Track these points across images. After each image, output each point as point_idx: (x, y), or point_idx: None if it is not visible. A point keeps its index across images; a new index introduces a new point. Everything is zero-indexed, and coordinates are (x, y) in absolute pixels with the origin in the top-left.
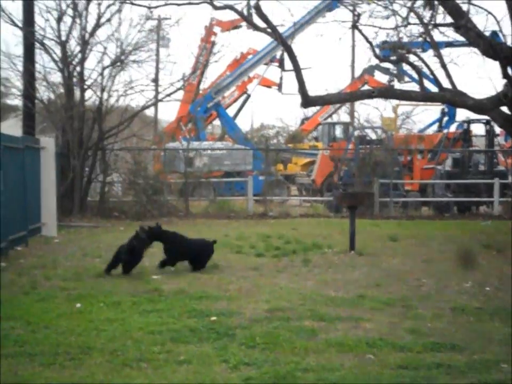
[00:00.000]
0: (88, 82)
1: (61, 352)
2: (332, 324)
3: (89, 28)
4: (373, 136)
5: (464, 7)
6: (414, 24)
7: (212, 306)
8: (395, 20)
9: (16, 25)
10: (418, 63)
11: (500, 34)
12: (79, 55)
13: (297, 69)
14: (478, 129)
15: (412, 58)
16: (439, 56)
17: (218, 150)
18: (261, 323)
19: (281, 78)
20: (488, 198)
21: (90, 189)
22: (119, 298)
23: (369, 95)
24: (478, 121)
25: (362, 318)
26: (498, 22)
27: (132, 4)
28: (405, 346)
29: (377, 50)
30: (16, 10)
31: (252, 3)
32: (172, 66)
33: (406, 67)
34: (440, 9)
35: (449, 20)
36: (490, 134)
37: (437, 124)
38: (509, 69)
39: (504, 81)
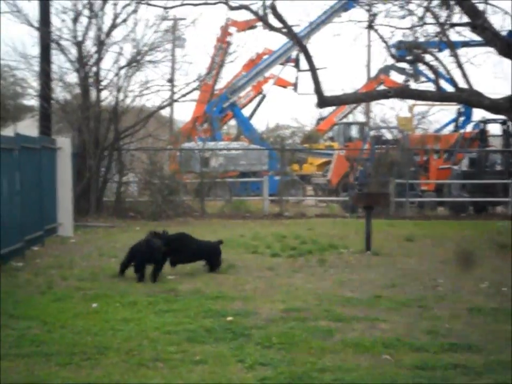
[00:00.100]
0: (104, 83)
1: (77, 352)
2: (348, 324)
3: (105, 28)
4: (389, 136)
5: (481, 7)
6: (430, 24)
7: (228, 306)
8: (411, 20)
9: (32, 25)
10: (435, 63)
11: None
12: (95, 56)
13: (313, 69)
14: (495, 129)
15: (428, 58)
16: (455, 56)
17: (234, 150)
18: (277, 323)
19: (296, 78)
20: (504, 198)
21: (106, 189)
22: (135, 298)
23: (385, 95)
24: (495, 121)
25: (378, 318)
26: None
27: (148, 4)
28: (422, 347)
29: (393, 50)
30: (33, 10)
31: (268, 3)
32: (187, 67)
33: (422, 67)
34: (457, 8)
35: (465, 19)
36: (506, 134)
37: (453, 124)
38: None
39: None
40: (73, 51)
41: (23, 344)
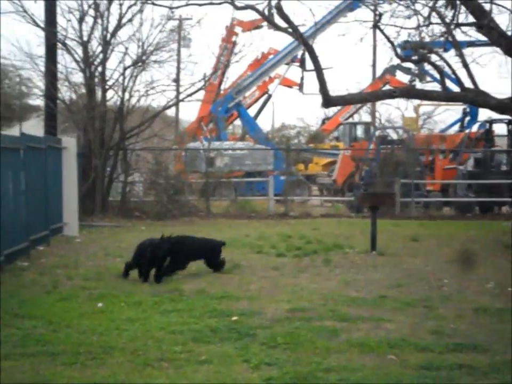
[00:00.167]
0: (109, 83)
1: (83, 351)
2: (353, 324)
3: (110, 28)
4: (394, 136)
5: (487, 7)
6: (436, 23)
7: (233, 306)
8: (417, 20)
9: (38, 25)
10: (440, 63)
11: None
12: (101, 55)
13: (318, 69)
14: (500, 129)
15: (434, 58)
16: (461, 56)
17: (239, 150)
18: (282, 323)
19: (302, 78)
20: (510, 198)
21: (112, 188)
22: (140, 298)
23: (391, 95)
24: (500, 121)
25: (383, 318)
26: None
27: (153, 4)
28: (427, 347)
29: (398, 50)
30: (38, 11)
31: (273, 3)
32: (193, 67)
33: (427, 67)
34: (462, 8)
35: (471, 19)
36: None
37: (458, 124)
38: None
39: None
40: (79, 51)
41: (29, 344)
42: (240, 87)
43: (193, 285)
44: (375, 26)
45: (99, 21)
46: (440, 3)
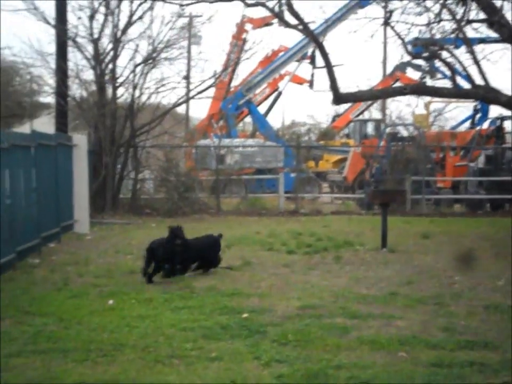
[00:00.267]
0: (120, 80)
1: (94, 348)
2: (364, 322)
3: (121, 25)
4: (405, 133)
5: (498, 3)
6: (447, 20)
7: (244, 303)
8: (428, 17)
9: (49, 23)
10: (451, 60)
11: None
12: (111, 53)
13: (328, 66)
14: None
15: (445, 55)
16: (472, 53)
17: (250, 147)
18: (293, 320)
19: (312, 75)
20: None
21: (122, 186)
22: (150, 295)
23: (401, 92)
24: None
25: (394, 315)
26: None
27: (164, 1)
28: (438, 344)
29: (409, 47)
30: (49, 8)
31: (284, 0)
32: (203, 64)
33: (438, 64)
34: (473, 5)
35: (482, 16)
36: None
37: (469, 121)
38: None
39: None
40: (90, 48)
41: (40, 341)
42: (250, 84)
43: (204, 282)
44: (386, 23)
45: (110, 18)
46: (451, 0)
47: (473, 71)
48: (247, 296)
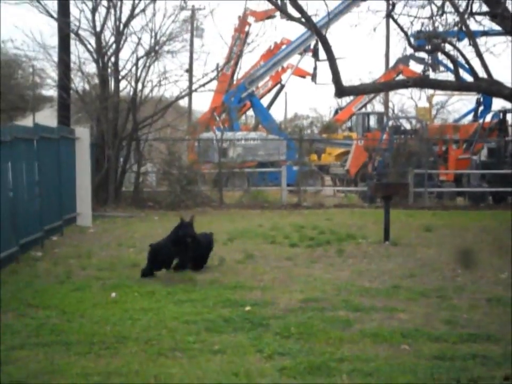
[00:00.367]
0: (122, 73)
1: (97, 341)
2: (366, 314)
3: (123, 18)
4: (408, 126)
5: None
6: (450, 13)
7: (246, 296)
8: (430, 9)
9: (51, 16)
10: (454, 53)
11: None
12: (114, 46)
13: (331, 59)
14: None
15: (447, 47)
16: (475, 46)
17: (252, 140)
18: (295, 313)
19: (315, 68)
20: None
21: (125, 179)
22: (153, 288)
23: (404, 84)
24: None
25: (397, 308)
26: None
27: None
28: (440, 337)
29: (412, 40)
30: (52, 1)
31: None
32: (205, 57)
33: (441, 57)
34: None
35: (485, 8)
36: None
37: (472, 114)
38: None
39: None
40: (92, 41)
41: (43, 333)
42: (253, 77)
43: (206, 275)
44: (389, 16)
45: (112, 11)
46: None
47: (476, 64)
48: (249, 289)
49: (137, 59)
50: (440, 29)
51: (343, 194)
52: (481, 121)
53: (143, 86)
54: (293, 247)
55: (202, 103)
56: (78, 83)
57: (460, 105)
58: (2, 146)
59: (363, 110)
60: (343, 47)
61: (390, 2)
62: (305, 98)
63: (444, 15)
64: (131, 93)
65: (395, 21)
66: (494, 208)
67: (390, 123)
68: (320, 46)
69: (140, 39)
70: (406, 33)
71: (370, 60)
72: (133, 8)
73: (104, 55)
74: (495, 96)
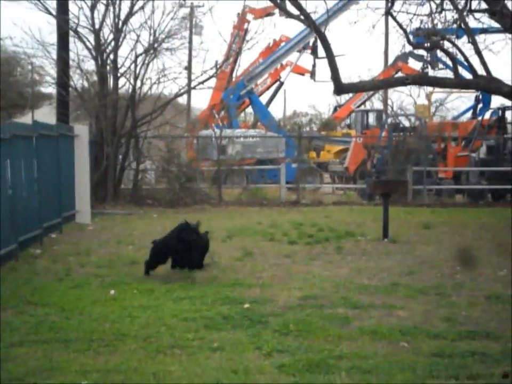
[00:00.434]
0: (121, 70)
1: (95, 338)
2: (365, 312)
3: (122, 15)
4: (407, 124)
5: None
6: (449, 10)
7: (245, 294)
8: (429, 6)
9: (50, 13)
10: (453, 50)
11: None
12: (113, 43)
13: (330, 56)
14: None
15: (446, 45)
16: (474, 43)
17: (251, 138)
18: (294, 310)
19: (314, 65)
20: None
21: (124, 176)
22: (152, 285)
23: (403, 82)
24: None
25: (395, 305)
26: None
27: None
28: (439, 334)
29: (411, 37)
30: None
31: None
32: (204, 54)
33: (440, 54)
34: None
35: (484, 6)
36: None
37: (471, 111)
38: None
39: None
40: (91, 38)
41: (42, 331)
42: (252, 75)
43: (205, 272)
44: (387, 13)
45: (111, 8)
46: None
47: (475, 61)
48: (248, 287)
49: (136, 56)
50: (439, 26)
51: (342, 191)
52: (480, 118)
53: (142, 83)
54: (291, 245)
55: (201, 100)
56: (77, 80)
57: (459, 103)
58: (1, 144)
59: (362, 107)
60: (342, 45)
61: None
62: (304, 96)
63: (443, 12)
64: (130, 90)
65: (394, 19)
66: (493, 205)
67: (389, 120)
68: (319, 44)
69: (138, 36)
70: (405, 31)
71: (369, 57)
72: (132, 5)
73: (103, 52)
74: (494, 93)
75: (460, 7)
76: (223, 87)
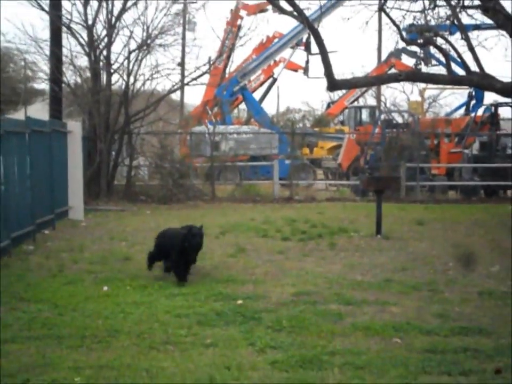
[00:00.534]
0: (114, 66)
1: (88, 334)
2: (358, 308)
3: (115, 11)
4: (400, 120)
5: None
6: (442, 6)
7: (238, 290)
8: (422, 3)
9: (43, 9)
10: (446, 46)
11: None
12: (106, 39)
13: (323, 52)
14: (506, 113)
15: (439, 41)
16: (467, 39)
17: (244, 134)
18: (287, 306)
19: (307, 62)
20: None
21: (117, 172)
22: (145, 281)
23: (396, 78)
24: (506, 104)
25: (389, 302)
26: None
27: None
28: (432, 330)
29: (404, 34)
30: None
31: None
32: (198, 50)
33: (433, 50)
34: None
35: (477, 2)
36: None
37: (464, 107)
38: None
39: None
40: (84, 34)
41: (35, 327)
42: (245, 71)
43: (199, 268)
44: (381, 9)
45: (104, 4)
46: None
47: (468, 57)
48: (241, 283)
49: (129, 52)
50: (432, 22)
51: (335, 188)
52: (473, 115)
53: (135, 80)
54: (285, 241)
55: (194, 96)
56: (70, 76)
57: (452, 99)
58: None
59: (355, 103)
60: (335, 41)
61: None
62: (297, 92)
63: (436, 8)
64: (123, 87)
65: (387, 15)
66: (485, 201)
67: (382, 117)
68: (312, 40)
69: (131, 32)
70: (398, 27)
71: (362, 54)
72: (125, 1)
73: (96, 48)
74: (486, 90)
75: (453, 3)
76: (216, 83)
